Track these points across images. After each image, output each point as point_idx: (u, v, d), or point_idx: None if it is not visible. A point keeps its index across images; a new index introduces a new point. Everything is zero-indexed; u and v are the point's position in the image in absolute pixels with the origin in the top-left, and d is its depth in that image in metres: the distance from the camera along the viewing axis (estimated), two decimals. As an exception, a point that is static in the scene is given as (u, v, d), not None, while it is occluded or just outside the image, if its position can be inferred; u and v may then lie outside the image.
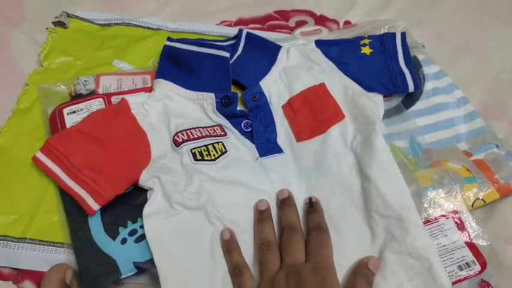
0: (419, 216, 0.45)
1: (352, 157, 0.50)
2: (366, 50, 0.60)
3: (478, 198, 0.49)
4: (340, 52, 0.59)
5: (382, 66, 0.58)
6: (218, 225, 0.46)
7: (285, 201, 0.48)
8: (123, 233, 0.47)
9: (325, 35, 0.68)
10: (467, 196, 0.49)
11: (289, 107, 0.55)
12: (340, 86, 0.55)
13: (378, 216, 0.45)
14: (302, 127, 0.53)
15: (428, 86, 0.59)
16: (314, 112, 0.54)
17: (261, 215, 0.47)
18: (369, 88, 0.55)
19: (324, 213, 0.47)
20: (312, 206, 0.47)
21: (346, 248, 0.45)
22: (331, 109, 0.53)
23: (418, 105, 0.57)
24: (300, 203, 0.48)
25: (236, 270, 0.44)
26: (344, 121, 0.52)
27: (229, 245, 0.45)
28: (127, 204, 0.48)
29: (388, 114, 0.56)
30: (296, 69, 0.58)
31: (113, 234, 0.47)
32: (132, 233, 0.47)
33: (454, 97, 0.58)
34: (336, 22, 0.71)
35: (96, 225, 0.47)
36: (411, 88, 0.56)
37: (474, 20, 0.70)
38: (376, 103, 0.54)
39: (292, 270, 0.42)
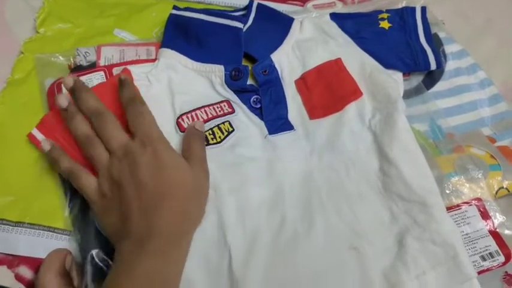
0: (442, 201, 0.42)
1: (370, 137, 0.47)
2: (385, 25, 0.56)
3: (502, 187, 0.46)
4: (357, 26, 0.56)
5: (402, 41, 0.55)
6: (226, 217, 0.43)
7: (76, 89, 0.44)
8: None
9: (339, 8, 0.64)
10: (491, 184, 0.46)
11: (303, 83, 0.51)
12: (357, 62, 0.52)
13: (399, 199, 0.43)
14: (316, 104, 0.50)
15: (449, 65, 0.56)
16: (329, 88, 0.50)
17: (64, 112, 0.44)
18: (387, 65, 0.52)
19: (339, 194, 0.44)
20: (120, 82, 0.45)
21: (362, 232, 0.42)
22: (348, 86, 0.50)
23: (439, 86, 0.54)
24: (310, 181, 0.45)
25: (72, 174, 0.42)
26: (362, 99, 0.49)
27: (54, 153, 0.44)
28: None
29: (408, 94, 0.52)
30: (310, 42, 0.54)
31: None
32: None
33: (477, 78, 0.55)
34: (350, -5, 0.68)
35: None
36: (433, 66, 0.53)
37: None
38: (396, 81, 0.50)
39: (121, 152, 0.41)
